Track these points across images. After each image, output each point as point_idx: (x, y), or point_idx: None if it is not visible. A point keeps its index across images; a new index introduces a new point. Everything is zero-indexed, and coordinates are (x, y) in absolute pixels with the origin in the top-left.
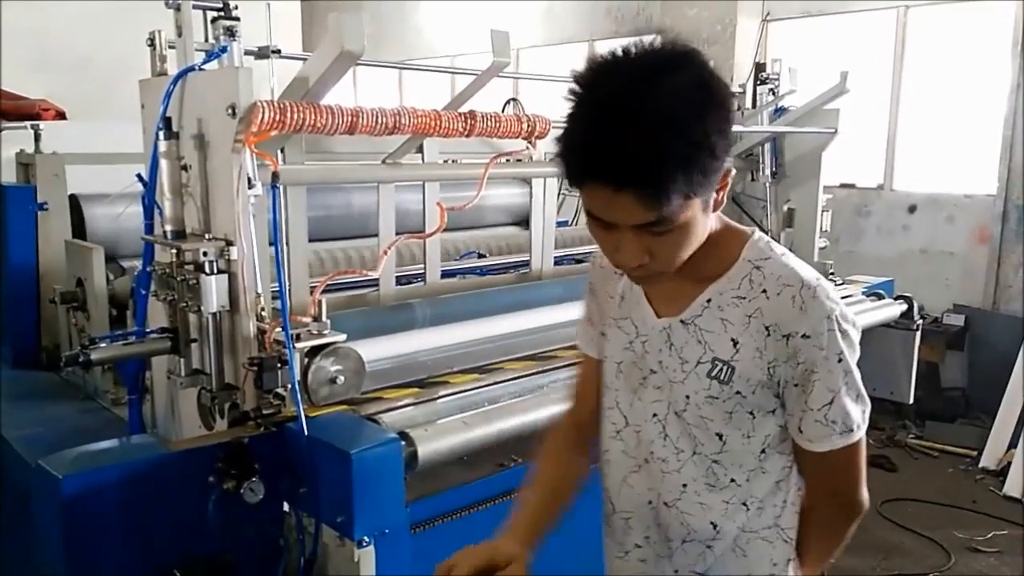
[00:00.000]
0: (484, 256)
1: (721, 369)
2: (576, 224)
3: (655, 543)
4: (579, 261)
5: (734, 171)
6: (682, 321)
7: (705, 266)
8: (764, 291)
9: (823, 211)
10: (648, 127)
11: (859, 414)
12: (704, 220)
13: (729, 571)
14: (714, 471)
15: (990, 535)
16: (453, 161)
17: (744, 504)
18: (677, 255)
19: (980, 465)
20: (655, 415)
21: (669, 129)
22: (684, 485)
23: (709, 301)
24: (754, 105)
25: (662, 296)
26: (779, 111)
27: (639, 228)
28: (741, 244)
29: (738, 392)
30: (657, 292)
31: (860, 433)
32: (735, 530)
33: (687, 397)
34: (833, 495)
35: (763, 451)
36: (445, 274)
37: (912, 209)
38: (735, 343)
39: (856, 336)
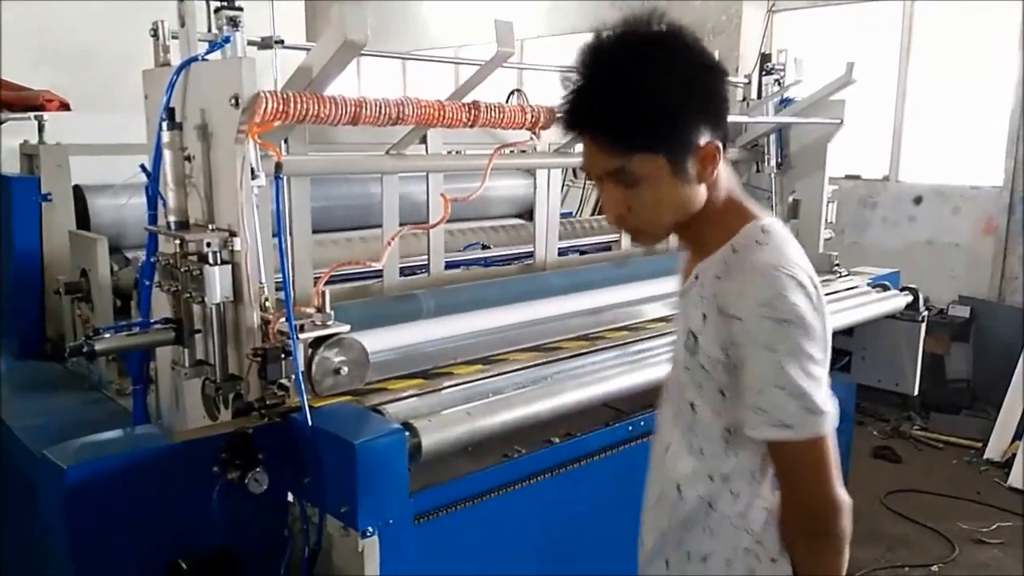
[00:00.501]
0: (488, 247)
1: (691, 340)
2: (580, 215)
3: (647, 497)
4: (583, 253)
5: (720, 148)
6: (680, 293)
7: (708, 242)
8: (729, 273)
9: (828, 202)
10: (602, 78)
11: (796, 412)
12: (680, 186)
13: (696, 545)
14: (688, 437)
15: (995, 526)
16: (456, 152)
17: (709, 477)
18: (652, 213)
19: (985, 457)
20: (667, 379)
21: (619, 80)
22: (668, 446)
23: (696, 277)
24: (759, 96)
25: (683, 271)
26: (784, 102)
27: (611, 178)
28: (741, 226)
29: (702, 366)
30: (682, 267)
31: (801, 433)
32: (696, 499)
33: (676, 364)
34: (789, 501)
35: (731, 432)
36: (449, 265)
37: (918, 200)
38: (704, 318)
39: (802, 333)
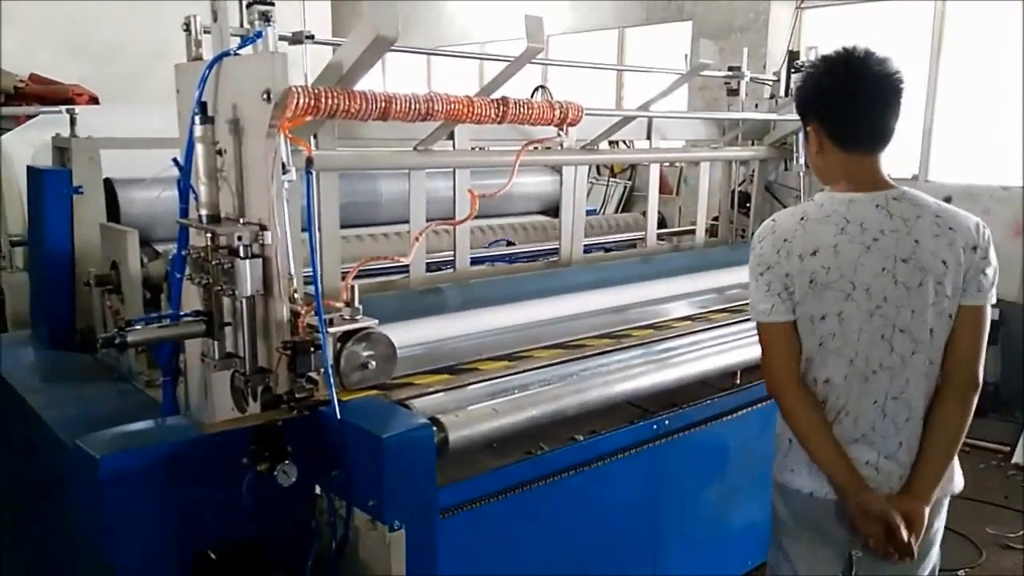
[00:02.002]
0: (512, 244)
1: None
2: (604, 212)
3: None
4: (608, 250)
5: (809, 135)
6: None
7: None
8: None
9: None
10: None
11: (750, 298)
12: (812, 155)
13: None
14: None
15: (1022, 532)
16: (481, 149)
17: None
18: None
19: (1012, 461)
20: None
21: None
22: None
23: None
24: (787, 93)
25: None
26: None
27: None
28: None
29: None
30: None
31: (751, 312)
32: None
33: None
34: None
35: None
36: (474, 261)
37: (948, 200)
38: None
39: (751, 252)
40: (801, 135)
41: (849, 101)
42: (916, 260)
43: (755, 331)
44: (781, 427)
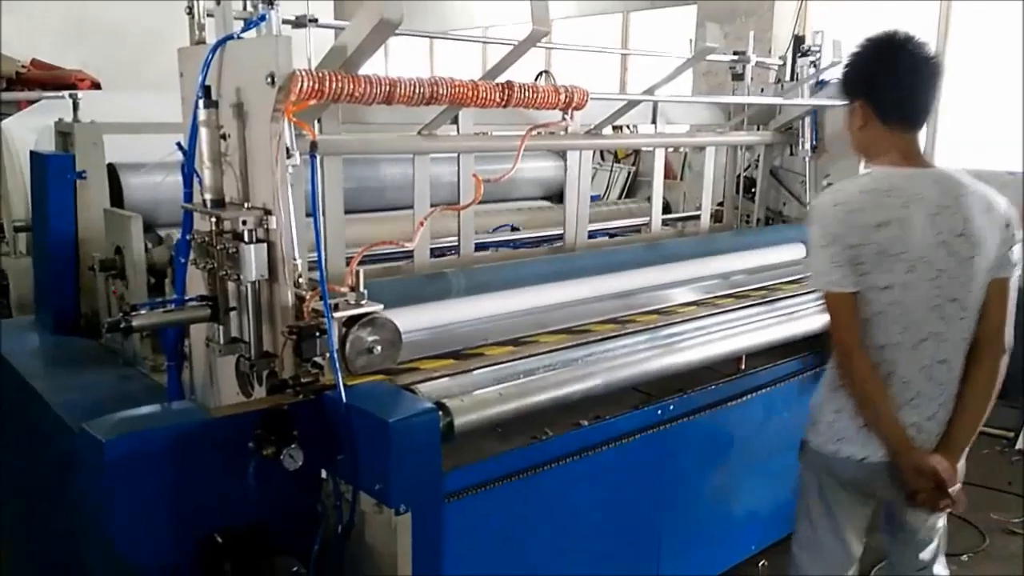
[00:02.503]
0: (517, 229)
1: None
2: (607, 198)
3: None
4: (612, 235)
5: (855, 110)
6: None
7: None
8: None
9: None
10: None
11: (809, 269)
12: (856, 130)
13: None
14: None
15: None
16: (485, 134)
17: None
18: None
19: (1017, 447)
20: None
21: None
22: None
23: None
24: (793, 78)
25: None
26: (820, 84)
27: None
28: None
29: None
30: None
31: (812, 284)
32: None
33: None
34: None
35: None
36: (478, 247)
37: None
38: None
39: (811, 225)
40: (845, 111)
41: (897, 80)
42: (968, 234)
43: (760, 317)
44: (824, 400)
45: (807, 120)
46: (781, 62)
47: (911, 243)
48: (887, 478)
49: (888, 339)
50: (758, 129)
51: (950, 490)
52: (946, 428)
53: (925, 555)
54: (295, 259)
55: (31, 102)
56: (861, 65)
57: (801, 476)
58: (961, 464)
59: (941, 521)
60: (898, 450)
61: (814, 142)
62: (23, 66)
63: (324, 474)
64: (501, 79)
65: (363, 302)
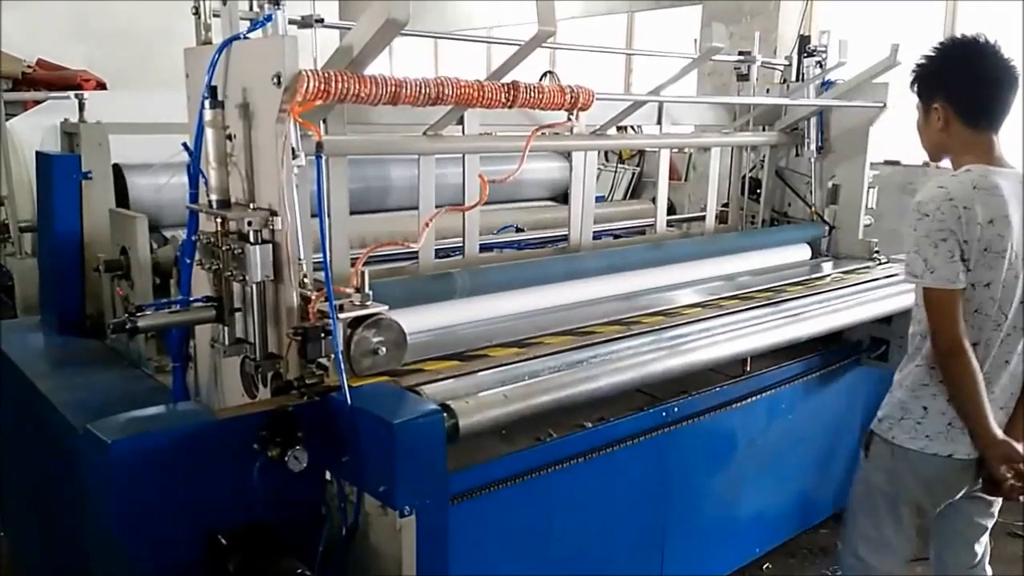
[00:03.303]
0: (521, 230)
1: None
2: (612, 199)
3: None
4: (617, 236)
5: (934, 112)
6: None
7: None
8: None
9: (869, 188)
10: None
11: (917, 265)
12: (934, 131)
13: None
14: None
15: None
16: (490, 134)
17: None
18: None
19: None
20: None
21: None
22: None
23: None
24: (799, 78)
25: None
26: (826, 84)
27: None
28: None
29: None
30: None
31: (924, 281)
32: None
33: None
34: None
35: None
36: (483, 248)
37: None
38: None
39: (921, 219)
40: (919, 113)
41: (986, 84)
42: None
43: (765, 319)
44: (908, 397)
45: (813, 120)
46: (787, 62)
47: (1011, 241)
48: (972, 472)
49: (981, 335)
50: (763, 130)
51: None
52: (1011, 417)
53: (979, 549)
54: (300, 260)
55: (37, 102)
56: (946, 68)
57: (868, 468)
58: None
59: (991, 521)
60: (990, 443)
61: (820, 143)
62: (29, 66)
63: (329, 475)
64: (506, 79)
65: (368, 303)
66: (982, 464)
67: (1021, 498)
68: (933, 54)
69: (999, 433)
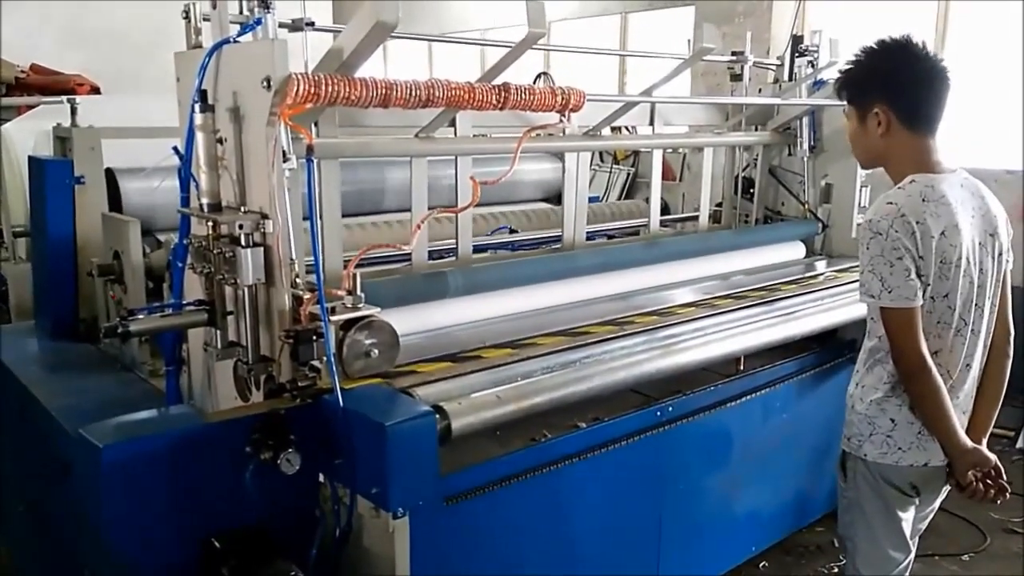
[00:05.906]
0: (515, 232)
1: None
2: (607, 200)
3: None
4: (611, 237)
5: (872, 116)
6: None
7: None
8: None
9: (862, 187)
10: None
11: (874, 285)
12: (873, 137)
13: None
14: None
15: None
16: (483, 136)
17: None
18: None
19: (1017, 446)
20: None
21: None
22: None
23: None
24: (791, 78)
25: None
26: (818, 84)
27: None
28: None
29: None
30: None
31: (881, 301)
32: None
33: None
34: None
35: None
36: (476, 249)
37: None
38: None
39: (874, 237)
40: (852, 119)
41: (925, 86)
42: (996, 233)
43: (758, 318)
44: (873, 413)
45: (805, 120)
46: (779, 62)
47: (963, 249)
48: (943, 477)
49: (942, 344)
50: (756, 129)
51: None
52: (970, 418)
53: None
54: (292, 263)
55: (30, 107)
56: (879, 69)
57: (850, 489)
58: None
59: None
60: (960, 453)
61: (812, 142)
62: (22, 71)
63: (322, 478)
64: (498, 81)
65: (360, 305)
66: (951, 471)
67: (998, 500)
68: (864, 58)
69: (968, 442)
